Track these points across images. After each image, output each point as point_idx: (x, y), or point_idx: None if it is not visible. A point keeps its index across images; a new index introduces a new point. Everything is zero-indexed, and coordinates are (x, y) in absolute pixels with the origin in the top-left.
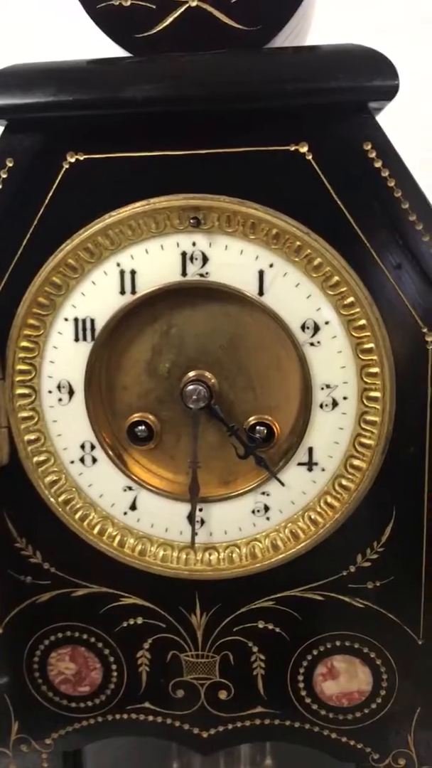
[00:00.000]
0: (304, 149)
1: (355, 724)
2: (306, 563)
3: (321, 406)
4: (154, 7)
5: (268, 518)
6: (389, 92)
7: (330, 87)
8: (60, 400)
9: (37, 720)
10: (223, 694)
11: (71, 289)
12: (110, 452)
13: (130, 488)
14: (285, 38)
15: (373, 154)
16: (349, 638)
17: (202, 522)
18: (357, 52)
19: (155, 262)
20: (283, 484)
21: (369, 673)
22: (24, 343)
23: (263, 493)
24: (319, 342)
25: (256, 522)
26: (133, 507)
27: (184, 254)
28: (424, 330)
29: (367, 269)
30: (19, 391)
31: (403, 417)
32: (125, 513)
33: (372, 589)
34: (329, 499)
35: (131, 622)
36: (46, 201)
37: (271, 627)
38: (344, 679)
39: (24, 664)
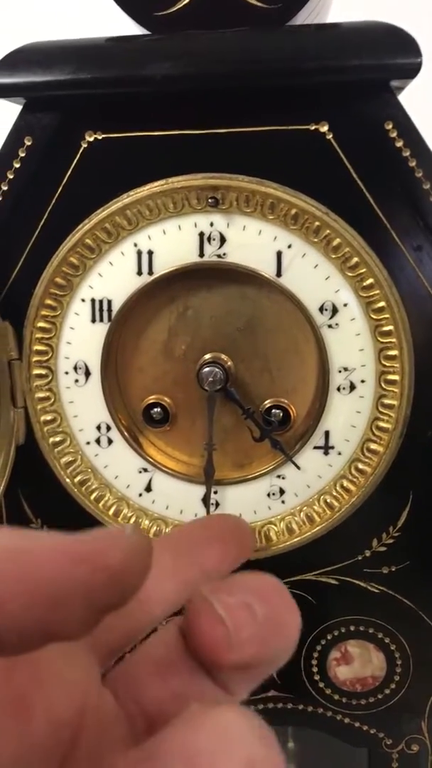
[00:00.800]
0: (324, 128)
1: (368, 710)
2: (321, 547)
3: (338, 389)
4: None
5: (283, 502)
6: (412, 70)
7: (351, 65)
8: (76, 381)
9: None
10: None
11: (88, 269)
12: (126, 434)
13: (145, 470)
14: (307, 15)
15: (394, 134)
16: (364, 623)
17: (217, 505)
18: (379, 29)
19: (173, 242)
20: (299, 467)
21: (383, 658)
22: (41, 324)
23: (279, 477)
24: (337, 324)
25: (271, 505)
26: (148, 488)
27: (201, 234)
28: None
29: (386, 251)
30: (36, 371)
31: (422, 401)
32: (140, 494)
33: (387, 574)
34: (345, 483)
35: None
36: (64, 180)
37: None
38: (358, 664)
39: None
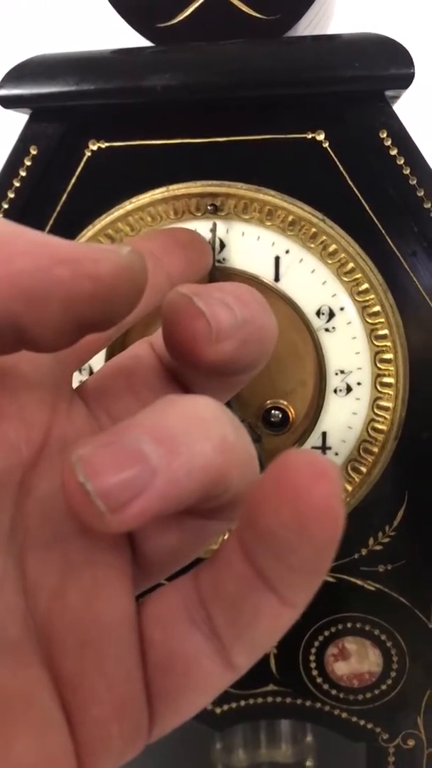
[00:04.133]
0: (320, 137)
1: (365, 705)
2: None
3: (335, 391)
4: None
5: None
6: (405, 80)
7: (346, 75)
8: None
9: None
10: None
11: None
12: None
13: None
14: (306, 27)
15: (389, 142)
16: (361, 620)
17: None
18: (373, 40)
19: None
20: None
21: (379, 655)
22: None
23: None
24: (334, 328)
25: None
26: None
27: None
28: None
29: (382, 256)
30: None
31: (417, 403)
32: None
33: (383, 572)
34: (342, 483)
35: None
36: (69, 187)
37: None
38: (355, 660)
39: None
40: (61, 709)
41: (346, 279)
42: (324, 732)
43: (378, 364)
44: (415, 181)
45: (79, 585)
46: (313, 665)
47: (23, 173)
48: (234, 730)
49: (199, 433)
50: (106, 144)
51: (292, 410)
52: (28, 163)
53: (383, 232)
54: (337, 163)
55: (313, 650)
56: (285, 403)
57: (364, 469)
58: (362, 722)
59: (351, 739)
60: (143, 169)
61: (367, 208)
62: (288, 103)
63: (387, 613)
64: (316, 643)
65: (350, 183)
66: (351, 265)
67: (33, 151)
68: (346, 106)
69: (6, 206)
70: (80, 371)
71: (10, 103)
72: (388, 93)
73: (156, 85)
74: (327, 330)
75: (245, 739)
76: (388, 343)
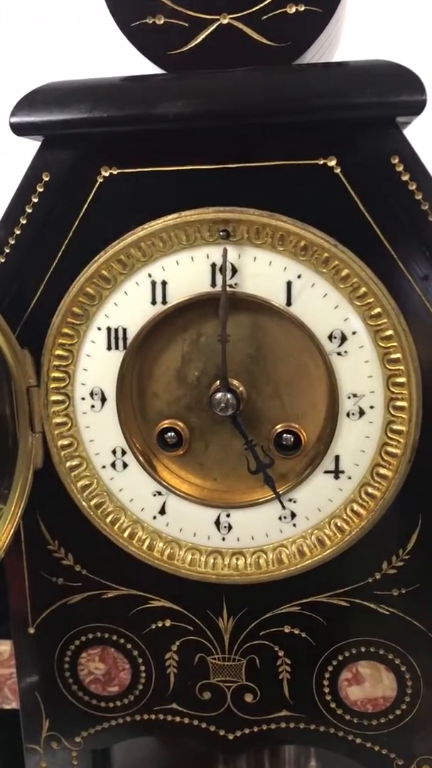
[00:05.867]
0: (332, 163)
1: (379, 730)
2: (332, 570)
3: (348, 414)
4: (186, 25)
5: (294, 525)
6: (417, 107)
7: (358, 102)
8: (93, 406)
9: (67, 718)
10: (249, 697)
11: (104, 299)
12: (140, 458)
13: (159, 493)
14: (314, 54)
15: (400, 168)
16: (374, 644)
17: (230, 527)
18: (384, 67)
19: (186, 273)
20: (284, 506)
21: (394, 679)
22: (59, 352)
23: (290, 500)
24: (346, 351)
25: (282, 528)
26: (162, 511)
27: (213, 265)
28: None
29: (394, 280)
30: (54, 397)
31: (430, 426)
32: (154, 517)
33: (397, 596)
34: (355, 507)
35: (160, 624)
36: (81, 214)
37: (297, 632)
38: (369, 684)
39: (55, 663)
40: None
41: (358, 303)
42: (328, 756)
43: (391, 388)
44: (427, 207)
45: None
46: (326, 690)
47: (35, 199)
48: (238, 754)
49: None
50: (118, 170)
51: (304, 434)
52: (40, 189)
53: (395, 256)
54: (349, 188)
55: (327, 675)
56: (297, 426)
57: (377, 493)
58: (377, 748)
59: (365, 766)
60: (155, 195)
61: (379, 233)
62: (299, 129)
63: (401, 637)
64: (330, 668)
65: (362, 208)
66: (363, 289)
67: (45, 178)
68: (357, 132)
69: (18, 232)
70: (92, 395)
71: (22, 130)
72: (400, 119)
73: (168, 113)
74: (339, 354)
75: (249, 764)
76: (401, 367)
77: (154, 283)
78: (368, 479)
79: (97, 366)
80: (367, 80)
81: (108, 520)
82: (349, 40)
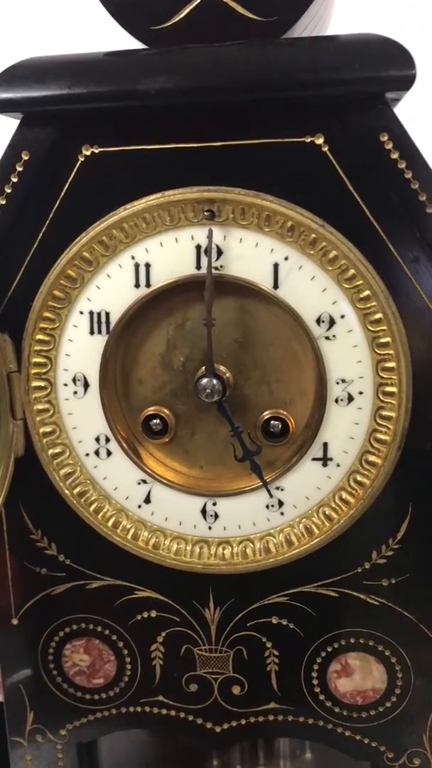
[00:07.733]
0: (319, 141)
1: (369, 722)
2: (320, 559)
3: (336, 401)
4: None
5: (282, 513)
6: (406, 82)
7: (346, 78)
8: (75, 392)
9: (52, 711)
10: (236, 689)
11: (86, 282)
12: (125, 445)
13: (144, 481)
14: (304, 28)
15: (389, 146)
16: (364, 635)
17: (216, 516)
18: (373, 41)
19: (170, 255)
20: (271, 495)
21: (383, 671)
22: (40, 336)
23: (277, 488)
24: (334, 336)
25: (270, 517)
26: (147, 500)
27: (198, 247)
28: None
29: (383, 262)
30: (35, 383)
31: (420, 413)
32: (139, 506)
33: (387, 586)
34: (344, 495)
35: (145, 615)
36: (62, 194)
37: (285, 623)
38: (359, 676)
39: (39, 655)
40: None
41: (346, 286)
42: (323, 748)
43: (380, 373)
44: (417, 186)
45: None
46: (315, 682)
47: (15, 179)
48: (232, 747)
49: None
50: (100, 149)
51: (291, 420)
52: (19, 168)
53: (384, 237)
54: (337, 167)
55: (316, 667)
56: (284, 413)
57: (366, 481)
58: (366, 740)
59: (355, 758)
60: (138, 174)
61: (368, 213)
62: (286, 106)
63: (391, 628)
64: (319, 660)
65: (350, 187)
66: (352, 271)
67: (25, 157)
68: (345, 108)
69: None
70: (75, 381)
71: (0, 107)
72: (389, 95)
73: (150, 89)
74: (327, 338)
75: (243, 756)
76: (391, 352)
77: (137, 266)
78: (357, 466)
79: (79, 351)
80: (355, 55)
81: (92, 509)
82: (341, 14)
